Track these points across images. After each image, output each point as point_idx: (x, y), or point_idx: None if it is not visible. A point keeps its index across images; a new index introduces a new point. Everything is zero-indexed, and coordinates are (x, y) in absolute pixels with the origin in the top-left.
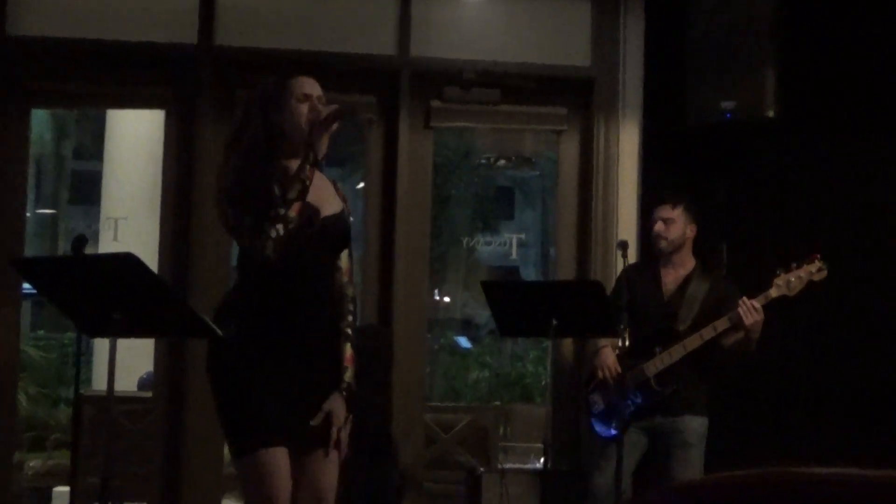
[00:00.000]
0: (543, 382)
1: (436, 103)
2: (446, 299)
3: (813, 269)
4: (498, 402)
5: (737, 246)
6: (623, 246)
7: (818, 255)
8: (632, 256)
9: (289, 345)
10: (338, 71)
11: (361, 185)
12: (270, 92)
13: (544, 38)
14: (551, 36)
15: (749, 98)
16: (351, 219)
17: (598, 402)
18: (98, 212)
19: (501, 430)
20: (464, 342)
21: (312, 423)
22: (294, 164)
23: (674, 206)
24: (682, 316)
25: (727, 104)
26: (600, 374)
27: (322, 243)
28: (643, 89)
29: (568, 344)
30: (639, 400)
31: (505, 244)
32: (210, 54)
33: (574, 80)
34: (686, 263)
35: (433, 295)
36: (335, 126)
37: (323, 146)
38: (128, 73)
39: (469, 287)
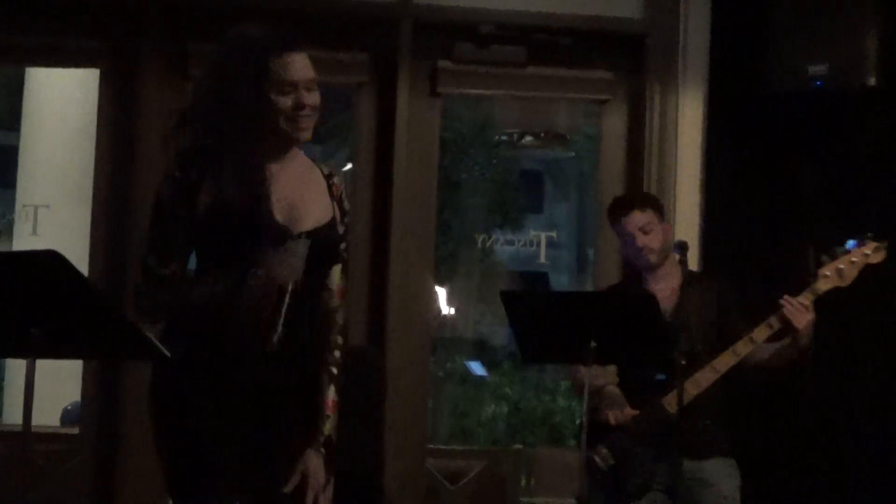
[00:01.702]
0: (577, 421)
1: (444, 64)
2: (455, 313)
3: (868, 251)
4: (519, 446)
5: (826, 246)
6: (682, 247)
7: (870, 234)
8: (693, 261)
9: (254, 378)
10: (321, 23)
11: (348, 166)
12: (238, 67)
13: None
14: None
15: (845, 62)
16: (345, 223)
17: (606, 458)
18: (12, 197)
19: (523, 481)
20: (477, 368)
21: (285, 489)
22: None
23: (643, 209)
24: (694, 334)
25: (817, 69)
26: (612, 419)
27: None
28: (709, 49)
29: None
30: (657, 446)
31: (531, 244)
32: (159, 2)
33: (621, 36)
34: (674, 273)
35: (438, 308)
36: (310, 125)
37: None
38: (52, 22)
39: (484, 298)
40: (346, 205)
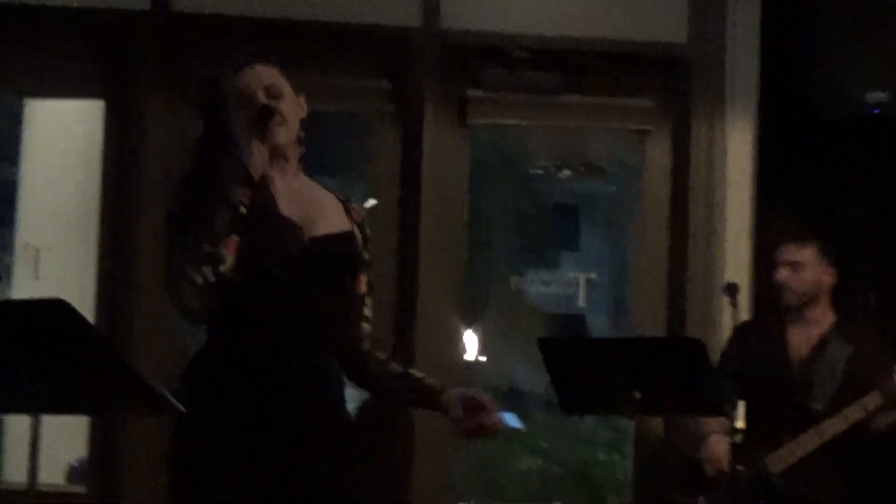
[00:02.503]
0: (620, 477)
1: (474, 92)
2: (485, 360)
3: None
4: (557, 503)
5: (890, 289)
6: (731, 290)
7: None
8: (743, 305)
9: (277, 435)
10: (338, 47)
11: (371, 202)
12: (207, 93)
13: (622, 4)
14: (632, 2)
15: None
16: (366, 254)
17: None
18: (12, 237)
19: None
20: (510, 419)
21: None
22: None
23: (802, 245)
24: (817, 391)
25: (876, 96)
26: (709, 471)
27: (313, 274)
28: (758, 74)
29: (656, 425)
30: None
31: (568, 285)
32: (165, 24)
33: (664, 61)
34: (821, 319)
35: (467, 354)
36: (277, 127)
37: (257, 158)
38: (52, 50)
39: (517, 343)
40: (369, 232)
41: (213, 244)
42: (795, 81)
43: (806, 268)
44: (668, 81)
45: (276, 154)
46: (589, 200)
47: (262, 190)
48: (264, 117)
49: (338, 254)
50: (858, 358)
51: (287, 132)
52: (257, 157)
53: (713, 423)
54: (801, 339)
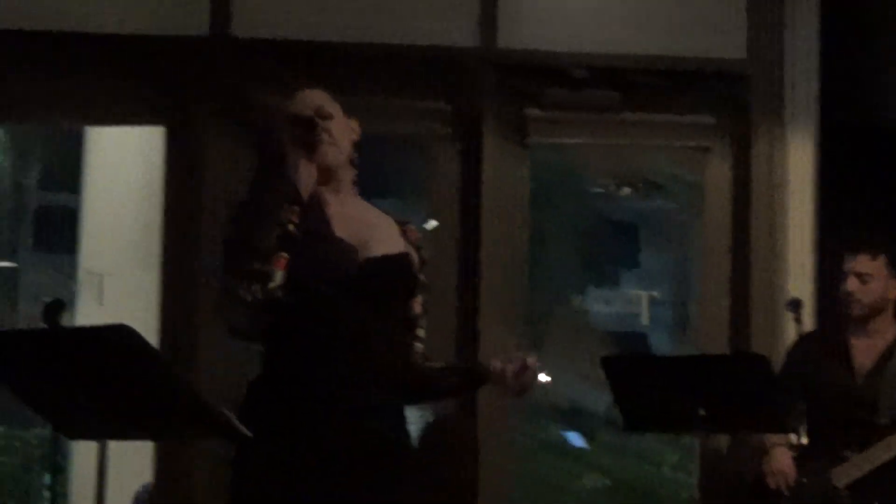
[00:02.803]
0: (686, 495)
1: (533, 111)
2: (548, 379)
3: None
4: None
5: None
6: (795, 305)
7: None
8: (807, 320)
9: (337, 459)
10: (397, 69)
11: (432, 223)
12: (263, 119)
13: (681, 21)
14: (690, 18)
15: None
16: (422, 276)
17: None
18: (74, 263)
19: None
20: (574, 438)
21: None
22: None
23: (874, 256)
24: (883, 404)
25: None
26: (772, 483)
27: (368, 295)
28: (819, 88)
29: (721, 442)
30: None
31: (631, 303)
32: (225, 49)
33: (723, 77)
34: (886, 332)
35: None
36: (328, 147)
37: (304, 175)
38: (115, 77)
39: (580, 361)
40: (425, 254)
41: (261, 262)
42: (855, 94)
43: (875, 279)
44: (727, 97)
45: (329, 175)
46: (649, 218)
47: (316, 213)
48: (307, 130)
49: (393, 275)
50: None
51: (338, 153)
52: (304, 174)
53: (776, 436)
54: (865, 351)
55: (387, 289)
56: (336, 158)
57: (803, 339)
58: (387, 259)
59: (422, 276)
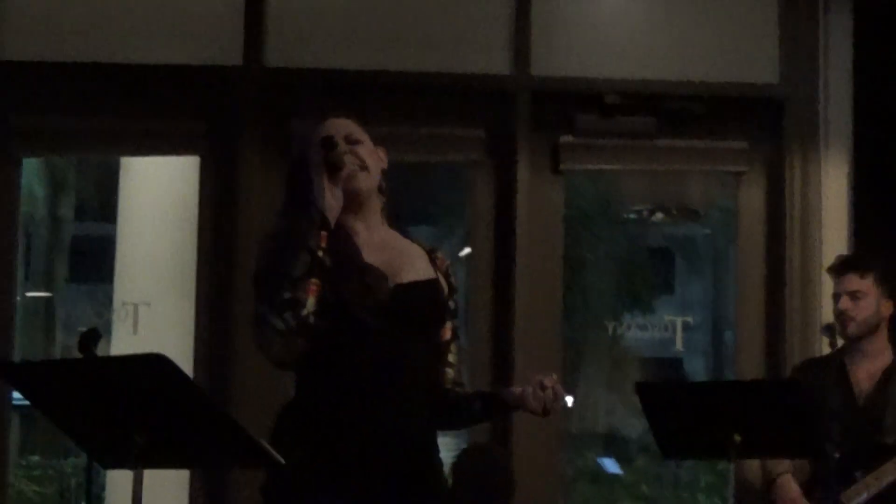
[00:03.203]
0: None
1: (567, 138)
2: (570, 399)
3: None
4: None
5: None
6: (830, 330)
7: None
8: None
9: (370, 486)
10: (430, 97)
11: (466, 250)
12: (302, 147)
13: (713, 46)
14: (723, 44)
15: None
16: (454, 304)
17: None
18: (109, 294)
19: None
20: (610, 465)
21: None
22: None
23: (862, 275)
24: (888, 424)
25: None
26: None
27: (400, 321)
28: (853, 112)
29: (755, 468)
30: None
31: (665, 329)
32: (260, 78)
33: (757, 102)
34: (882, 353)
35: (566, 400)
36: (359, 172)
37: (329, 198)
38: (149, 107)
39: (616, 388)
40: (453, 281)
41: (292, 289)
42: (890, 118)
43: (866, 296)
44: (761, 122)
45: (358, 203)
46: (684, 243)
47: (345, 241)
48: (330, 150)
49: (424, 301)
50: None
51: (368, 179)
52: (329, 197)
53: (779, 465)
54: (864, 373)
55: (418, 315)
56: (365, 183)
57: (801, 366)
58: (417, 285)
59: (451, 303)
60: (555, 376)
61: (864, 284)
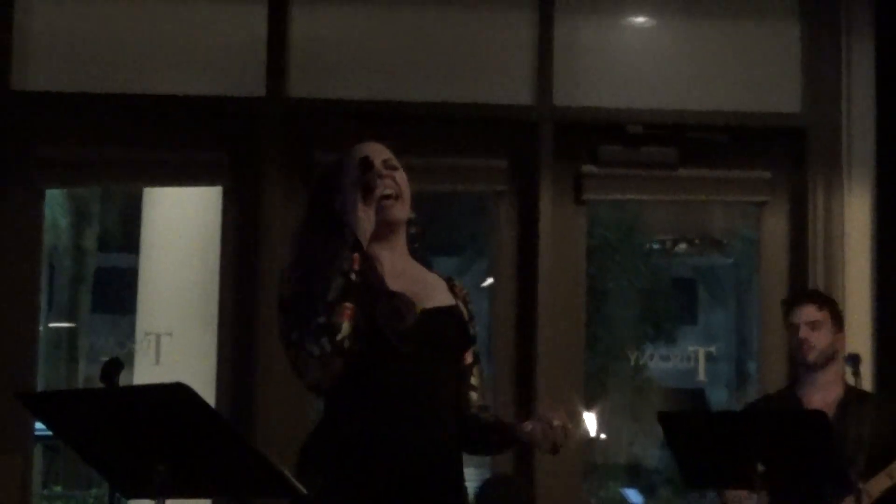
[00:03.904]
0: None
1: (589, 168)
2: (606, 435)
3: None
4: None
5: None
6: (854, 361)
7: None
8: (866, 375)
9: (398, 501)
10: (453, 127)
11: (489, 280)
12: (327, 170)
13: (736, 76)
14: (745, 74)
15: None
16: (474, 330)
17: None
18: (132, 324)
19: None
20: (633, 496)
21: None
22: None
23: (819, 307)
24: (851, 451)
25: None
26: None
27: (426, 345)
28: (876, 141)
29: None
30: None
31: (688, 359)
32: (280, 110)
33: (779, 131)
34: (834, 384)
35: (588, 430)
36: (395, 201)
37: (363, 221)
38: (171, 138)
39: (638, 418)
40: (472, 308)
41: (326, 314)
42: None
43: (824, 325)
44: (783, 151)
45: (388, 231)
46: (707, 273)
47: (370, 266)
48: (365, 170)
49: (450, 326)
50: (882, 419)
51: (404, 209)
52: (363, 219)
53: (749, 499)
54: (818, 404)
55: (445, 339)
56: (401, 213)
57: (757, 402)
58: (441, 311)
59: (471, 328)
60: (563, 413)
61: (822, 315)
